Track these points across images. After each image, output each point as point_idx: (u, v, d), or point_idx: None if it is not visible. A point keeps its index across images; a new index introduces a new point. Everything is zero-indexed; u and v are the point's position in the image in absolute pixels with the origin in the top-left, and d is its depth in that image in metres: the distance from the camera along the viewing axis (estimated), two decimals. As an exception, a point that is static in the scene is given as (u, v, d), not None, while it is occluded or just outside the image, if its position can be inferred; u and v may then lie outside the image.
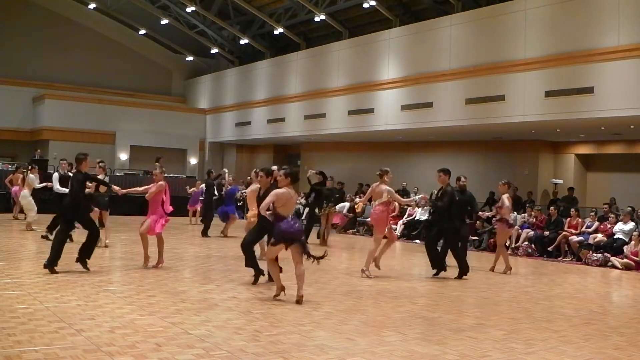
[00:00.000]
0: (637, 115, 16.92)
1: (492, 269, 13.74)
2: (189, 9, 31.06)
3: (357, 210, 23.99)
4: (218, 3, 30.84)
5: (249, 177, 13.31)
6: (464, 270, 12.29)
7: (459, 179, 15.00)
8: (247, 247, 10.20)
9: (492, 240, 18.42)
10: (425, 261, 14.59)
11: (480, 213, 15.88)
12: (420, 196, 13.68)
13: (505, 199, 13.79)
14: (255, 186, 11.62)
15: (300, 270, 8.66)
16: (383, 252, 12.20)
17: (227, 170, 20.52)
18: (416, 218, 21.38)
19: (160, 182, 11.45)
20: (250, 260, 10.28)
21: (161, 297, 8.60)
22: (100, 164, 14.48)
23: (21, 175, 19.88)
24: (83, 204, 10.86)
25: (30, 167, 19.05)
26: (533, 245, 17.52)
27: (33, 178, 17.77)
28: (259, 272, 10.27)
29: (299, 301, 8.58)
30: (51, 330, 6.50)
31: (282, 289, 8.95)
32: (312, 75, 28.19)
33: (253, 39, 32.40)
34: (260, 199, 9.77)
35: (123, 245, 14.94)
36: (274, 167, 10.73)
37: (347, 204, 23.20)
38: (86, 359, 5.60)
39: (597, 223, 17.06)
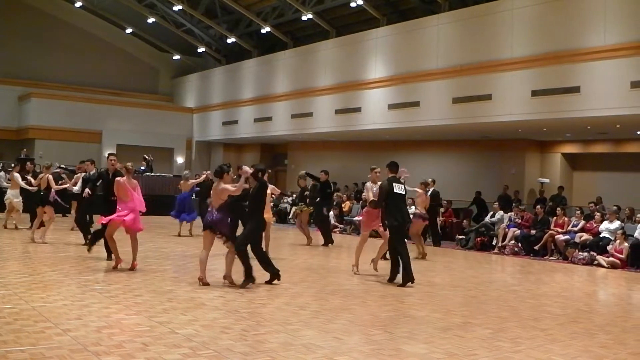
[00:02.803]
0: (623, 115, 17.03)
1: (424, 257, 14.74)
2: (176, 8, 30.98)
3: (344, 209, 24.12)
4: (205, 2, 30.79)
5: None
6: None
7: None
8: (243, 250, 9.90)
9: (478, 239, 18.51)
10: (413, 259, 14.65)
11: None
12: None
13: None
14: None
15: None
16: (381, 254, 12.31)
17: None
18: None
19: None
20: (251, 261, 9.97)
21: (148, 297, 8.57)
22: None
23: None
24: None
25: (13, 166, 18.94)
26: (520, 244, 17.56)
27: (17, 177, 17.66)
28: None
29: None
30: (37, 330, 6.46)
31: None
32: (299, 75, 28.19)
33: (240, 37, 32.35)
34: (252, 197, 10.15)
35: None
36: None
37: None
38: (73, 359, 5.57)
39: (583, 222, 17.13)
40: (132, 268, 10.96)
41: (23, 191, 16.69)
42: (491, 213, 19.63)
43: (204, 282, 9.72)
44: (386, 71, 23.74)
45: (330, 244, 17.51)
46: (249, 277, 9.69)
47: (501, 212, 19.13)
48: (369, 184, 12.72)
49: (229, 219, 9.84)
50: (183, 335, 6.58)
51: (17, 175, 17.20)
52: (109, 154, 12.58)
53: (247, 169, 10.11)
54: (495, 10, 20.15)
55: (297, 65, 28.56)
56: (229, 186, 9.82)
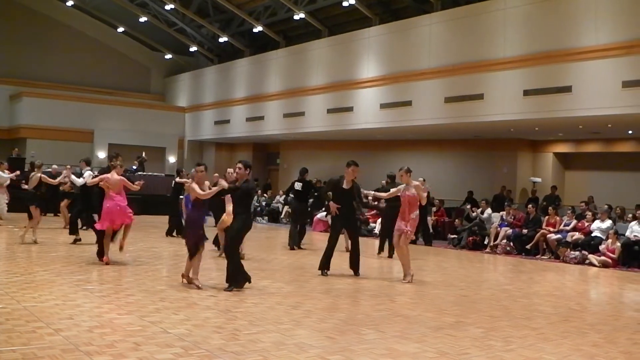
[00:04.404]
0: (614, 114, 17.09)
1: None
2: (168, 7, 30.93)
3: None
4: (197, 1, 30.75)
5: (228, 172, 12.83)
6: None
7: None
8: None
9: (470, 238, 18.52)
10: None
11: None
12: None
13: None
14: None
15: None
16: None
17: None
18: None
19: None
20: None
21: (140, 296, 8.55)
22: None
23: None
24: None
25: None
26: (512, 243, 17.60)
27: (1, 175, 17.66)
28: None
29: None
30: (29, 330, 6.43)
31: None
32: (292, 74, 28.18)
33: (232, 37, 32.32)
34: (237, 194, 9.54)
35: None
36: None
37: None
38: (64, 359, 5.55)
39: (574, 221, 17.17)
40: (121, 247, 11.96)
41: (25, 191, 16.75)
42: (480, 209, 19.48)
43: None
44: (378, 70, 23.76)
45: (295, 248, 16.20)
46: (242, 279, 9.49)
47: (489, 210, 19.10)
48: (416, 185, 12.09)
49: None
50: (175, 334, 6.56)
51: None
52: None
53: (224, 183, 10.15)
54: (487, 10, 20.19)
55: (289, 65, 28.55)
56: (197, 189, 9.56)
